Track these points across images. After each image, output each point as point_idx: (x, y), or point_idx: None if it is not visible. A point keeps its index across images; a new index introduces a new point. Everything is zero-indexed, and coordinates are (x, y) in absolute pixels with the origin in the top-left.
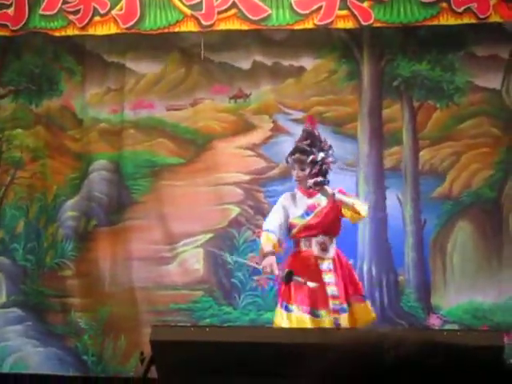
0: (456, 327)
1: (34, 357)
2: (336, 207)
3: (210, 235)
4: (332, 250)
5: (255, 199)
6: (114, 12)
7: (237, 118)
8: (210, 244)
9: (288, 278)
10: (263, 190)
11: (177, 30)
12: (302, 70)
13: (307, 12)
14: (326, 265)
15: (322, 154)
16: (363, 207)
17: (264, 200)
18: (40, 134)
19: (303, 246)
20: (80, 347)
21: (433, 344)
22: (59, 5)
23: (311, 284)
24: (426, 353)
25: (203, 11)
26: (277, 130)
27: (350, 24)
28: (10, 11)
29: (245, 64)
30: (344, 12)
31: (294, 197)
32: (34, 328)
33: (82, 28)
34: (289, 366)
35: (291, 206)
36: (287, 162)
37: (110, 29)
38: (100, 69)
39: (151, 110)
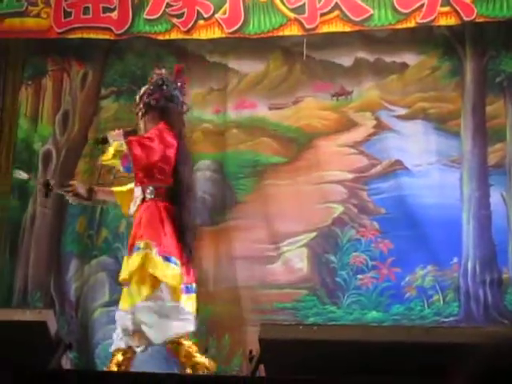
0: None
1: (138, 355)
2: None
3: (313, 234)
4: None
5: (359, 197)
6: (217, 16)
7: (339, 115)
8: (313, 243)
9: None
10: (367, 188)
11: (280, 33)
12: (404, 66)
13: (409, 11)
14: None
15: None
16: None
17: (368, 198)
18: None
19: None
20: None
21: None
22: (163, 8)
23: None
24: None
25: (306, 14)
26: (380, 126)
27: (452, 21)
28: (114, 15)
29: (347, 61)
30: (446, 8)
31: None
32: None
33: (186, 32)
34: (395, 363)
35: None
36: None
37: (215, 33)
38: (202, 69)
39: (254, 110)
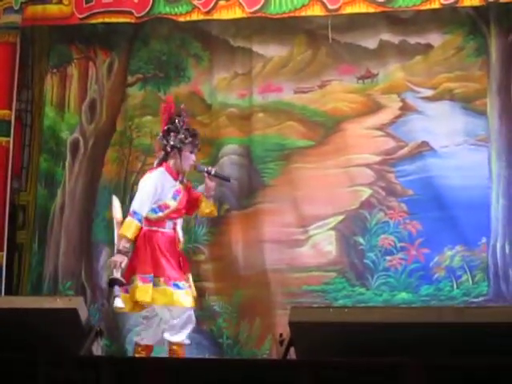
0: None
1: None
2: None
3: (341, 217)
4: None
5: (386, 180)
6: None
7: (365, 98)
8: (341, 226)
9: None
10: (394, 171)
11: (302, 14)
12: (429, 47)
13: None
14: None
15: None
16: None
17: (395, 180)
18: None
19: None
20: (215, 331)
21: None
22: None
23: None
24: None
25: None
26: (406, 108)
27: (476, 1)
28: None
29: (371, 43)
30: None
31: (165, 178)
32: None
33: (207, 13)
34: (426, 344)
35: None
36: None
37: (236, 13)
38: (227, 53)
39: (279, 94)
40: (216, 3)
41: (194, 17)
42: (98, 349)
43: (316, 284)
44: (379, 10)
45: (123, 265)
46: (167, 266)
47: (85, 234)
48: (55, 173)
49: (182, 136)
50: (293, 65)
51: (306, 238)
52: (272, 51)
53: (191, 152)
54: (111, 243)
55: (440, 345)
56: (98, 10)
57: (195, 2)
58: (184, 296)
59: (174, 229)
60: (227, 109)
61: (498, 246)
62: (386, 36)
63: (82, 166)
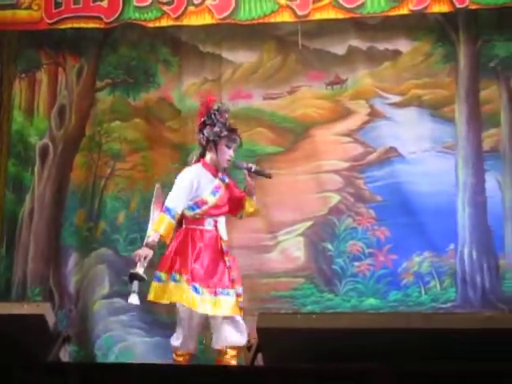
0: None
1: (140, 346)
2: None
3: (310, 223)
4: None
5: (355, 186)
6: (208, 2)
7: (334, 104)
8: (310, 232)
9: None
10: (362, 177)
11: (272, 20)
12: (397, 53)
13: None
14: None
15: None
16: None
17: (364, 186)
18: (139, 126)
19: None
20: None
21: None
22: None
23: None
24: None
25: (298, 1)
26: (374, 114)
27: (445, 8)
28: (104, 3)
29: (340, 49)
30: None
31: (203, 174)
32: (139, 318)
33: (177, 18)
34: (393, 350)
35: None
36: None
37: (205, 19)
38: (196, 59)
39: (249, 100)
40: (185, 9)
41: (164, 23)
42: (65, 354)
43: (284, 290)
44: (348, 15)
45: (147, 259)
46: (195, 266)
47: (53, 239)
48: (23, 178)
49: (218, 129)
50: (262, 71)
51: (274, 244)
52: (241, 57)
53: (228, 147)
54: (80, 248)
55: (408, 351)
56: (67, 16)
57: (165, 8)
58: (199, 300)
59: (216, 227)
60: (196, 114)
61: (466, 252)
62: (355, 42)
63: (51, 172)
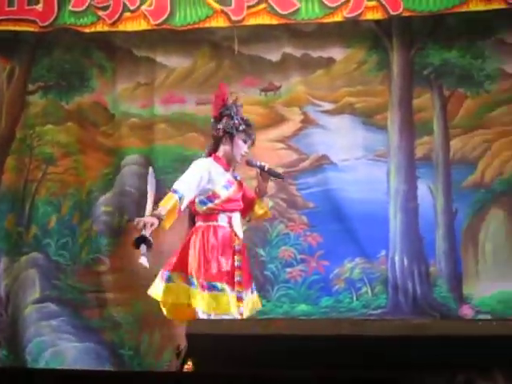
0: (489, 317)
1: (71, 351)
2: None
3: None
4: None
5: (288, 192)
6: (143, 8)
7: (268, 110)
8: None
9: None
10: (295, 183)
11: (207, 25)
12: (331, 61)
13: (336, 5)
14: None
15: None
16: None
17: (296, 193)
18: (71, 130)
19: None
20: (117, 341)
21: None
22: (88, 1)
23: None
24: None
25: (232, 6)
26: (307, 121)
27: (378, 15)
28: (39, 7)
29: (275, 56)
30: (373, 3)
31: (214, 168)
32: (70, 323)
33: (112, 24)
34: (324, 357)
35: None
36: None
37: (141, 25)
38: (130, 63)
39: (182, 105)
40: (121, 15)
41: (99, 28)
42: None
43: None
44: (282, 21)
45: (153, 227)
46: (205, 264)
47: None
48: None
49: (236, 121)
50: (196, 76)
51: None
52: (175, 62)
53: (244, 141)
54: (10, 252)
55: (340, 357)
56: (0, 18)
57: (100, 13)
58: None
59: (230, 223)
60: (129, 119)
61: (397, 258)
62: (289, 49)
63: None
